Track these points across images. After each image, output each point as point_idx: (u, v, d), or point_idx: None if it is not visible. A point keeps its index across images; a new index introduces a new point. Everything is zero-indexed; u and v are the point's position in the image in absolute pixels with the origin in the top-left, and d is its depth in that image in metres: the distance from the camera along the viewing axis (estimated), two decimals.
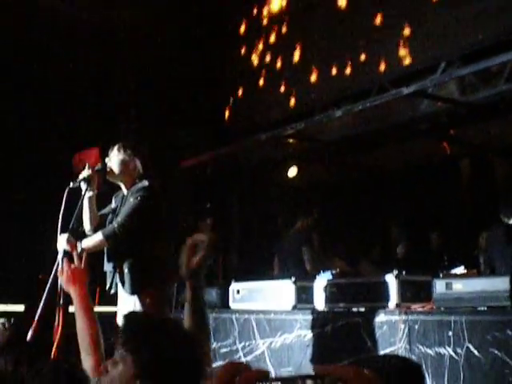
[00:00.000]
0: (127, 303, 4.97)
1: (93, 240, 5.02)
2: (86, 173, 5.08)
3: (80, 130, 8.82)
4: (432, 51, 7.32)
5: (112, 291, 5.13)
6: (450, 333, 5.06)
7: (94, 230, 5.16)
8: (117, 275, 5.07)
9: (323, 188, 10.99)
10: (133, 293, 4.92)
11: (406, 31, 7.44)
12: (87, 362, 3.10)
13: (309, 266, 7.90)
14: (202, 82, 9.77)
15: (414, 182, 10.50)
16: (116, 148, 5.23)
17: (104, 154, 5.40)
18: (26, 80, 8.69)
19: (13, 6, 8.36)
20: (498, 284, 5.10)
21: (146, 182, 5.12)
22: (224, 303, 7.32)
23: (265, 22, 9.43)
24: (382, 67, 7.79)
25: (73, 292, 3.46)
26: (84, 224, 5.20)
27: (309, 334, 6.11)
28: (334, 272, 6.68)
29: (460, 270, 7.02)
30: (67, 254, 4.91)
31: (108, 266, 5.12)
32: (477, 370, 4.89)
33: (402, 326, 5.37)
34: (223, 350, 6.88)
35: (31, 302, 5.21)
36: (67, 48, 8.92)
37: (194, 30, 9.80)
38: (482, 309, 5.17)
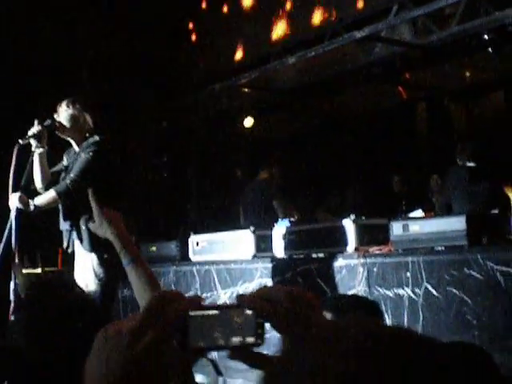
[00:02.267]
0: (85, 260, 4.91)
1: (46, 197, 4.93)
2: (35, 129, 4.97)
3: (29, 89, 8.65)
4: None
5: (70, 250, 5.05)
6: (408, 274, 5.10)
7: (46, 188, 5.05)
8: (74, 233, 5.00)
9: (280, 137, 10.96)
10: (92, 250, 4.86)
11: None
12: None
13: (281, 215, 7.86)
14: (153, 35, 9.61)
15: (371, 126, 10.52)
16: (65, 103, 5.10)
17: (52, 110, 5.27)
18: None
19: None
20: (455, 224, 5.13)
21: (96, 137, 5.02)
22: (184, 256, 7.30)
23: None
24: (335, 12, 7.73)
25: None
26: (35, 182, 5.09)
27: (269, 282, 6.12)
28: (291, 219, 6.68)
29: (418, 213, 7.06)
30: (20, 212, 4.85)
31: (64, 225, 5.03)
32: (435, 309, 4.95)
33: (361, 270, 5.41)
34: None
35: None
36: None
37: None
38: (440, 249, 5.22)
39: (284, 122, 10.90)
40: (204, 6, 9.48)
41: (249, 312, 1.02)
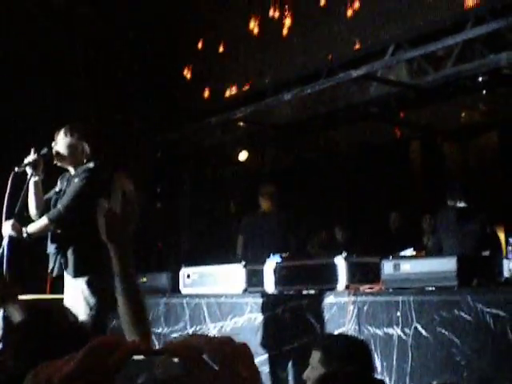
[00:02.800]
0: (75, 288, 4.91)
1: (38, 224, 4.94)
2: (31, 157, 5.00)
3: (26, 117, 8.69)
4: (381, 35, 7.36)
5: (55, 273, 5.05)
6: (399, 313, 5.10)
7: (40, 215, 5.07)
8: (59, 257, 4.99)
9: (275, 171, 11.00)
10: (75, 276, 4.85)
11: (353, 13, 7.47)
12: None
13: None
14: (152, 66, 9.69)
15: (366, 163, 10.57)
16: (63, 131, 5.13)
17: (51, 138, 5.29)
18: None
19: None
20: (446, 264, 5.15)
21: (91, 164, 5.05)
22: (175, 288, 7.28)
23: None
24: (332, 50, 7.81)
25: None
26: (30, 209, 5.11)
27: (259, 317, 6.11)
28: (283, 255, 6.68)
29: (409, 252, 7.08)
30: (12, 240, 4.86)
31: (51, 248, 5.03)
32: (425, 349, 4.94)
33: (351, 308, 5.40)
34: (174, 335, 6.86)
35: None
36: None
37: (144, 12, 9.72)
38: (430, 289, 5.23)
39: (278, 157, 10.95)
40: (200, 45, 9.56)
41: (175, 360, 0.97)
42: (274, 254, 6.74)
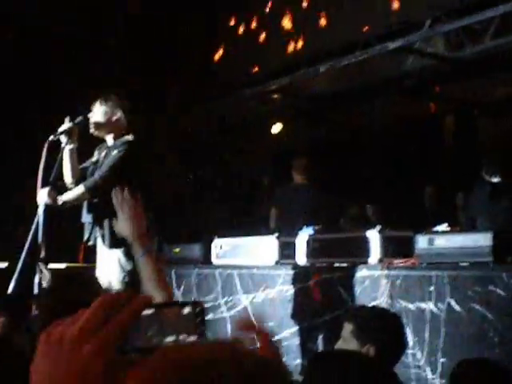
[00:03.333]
0: (109, 257, 4.94)
1: (74, 193, 4.98)
2: (65, 126, 5.02)
3: (64, 87, 8.73)
4: (419, 7, 7.25)
5: (90, 243, 5.08)
6: (432, 288, 5.07)
7: (75, 184, 5.11)
8: (96, 228, 5.03)
9: (308, 144, 10.94)
10: (111, 247, 4.88)
11: None
12: None
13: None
14: (187, 38, 9.64)
15: (399, 138, 10.48)
16: (99, 101, 5.16)
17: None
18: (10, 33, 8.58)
19: None
20: (481, 240, 5.10)
21: (129, 137, 5.07)
22: (207, 259, 7.31)
23: None
24: (368, 22, 7.71)
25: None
26: (65, 178, 5.14)
27: (291, 289, 6.12)
28: (315, 227, 6.66)
29: (443, 227, 7.02)
30: (48, 208, 4.89)
31: (87, 218, 5.07)
32: (457, 324, 4.91)
33: (384, 281, 5.38)
34: (206, 306, 6.88)
35: (13, 259, 5.16)
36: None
37: None
38: (464, 264, 5.18)
39: (312, 130, 10.88)
40: (236, 19, 9.49)
41: (186, 311, 1.00)
42: (306, 227, 6.72)
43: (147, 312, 0.98)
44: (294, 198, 7.92)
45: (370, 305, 5.32)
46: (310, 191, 7.87)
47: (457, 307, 4.92)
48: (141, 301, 0.96)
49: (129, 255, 4.85)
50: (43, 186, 4.88)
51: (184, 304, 1.02)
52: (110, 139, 5.19)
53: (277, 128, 10.09)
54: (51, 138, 4.98)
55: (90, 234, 5.06)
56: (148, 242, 2.58)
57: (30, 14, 8.74)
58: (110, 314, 0.93)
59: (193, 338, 0.99)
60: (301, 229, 6.63)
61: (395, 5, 7.40)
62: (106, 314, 0.93)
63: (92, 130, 5.15)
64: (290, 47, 8.47)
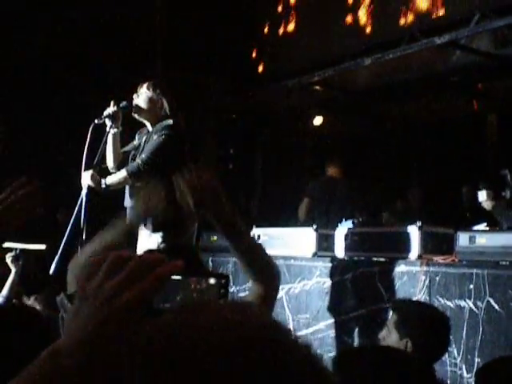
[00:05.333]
0: (149, 240, 4.97)
1: (117, 176, 5.03)
2: (110, 109, 5.07)
3: (107, 72, 8.80)
4: (466, 2, 7.18)
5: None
6: (471, 286, 5.02)
7: (117, 168, 5.15)
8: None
9: (348, 137, 10.90)
10: (154, 231, 4.91)
11: None
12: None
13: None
14: (230, 28, 9.65)
15: (440, 135, 10.39)
16: (145, 86, 5.21)
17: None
18: (54, 21, 8.66)
19: None
20: None
21: (170, 121, 5.10)
22: None
23: None
24: (414, 17, 7.65)
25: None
26: (107, 161, 5.20)
27: (328, 282, 6.10)
28: (355, 221, 6.64)
29: (482, 227, 6.95)
30: (91, 190, 4.94)
31: (128, 202, 5.11)
32: (496, 323, 4.86)
33: (423, 278, 5.34)
34: (242, 294, 6.90)
35: (53, 241, 5.22)
36: None
37: None
38: (505, 263, 5.12)
39: (353, 123, 10.84)
40: (280, 9, 9.47)
41: (212, 281, 1.07)
42: (345, 220, 6.71)
43: (176, 278, 1.05)
44: (327, 191, 7.91)
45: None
46: (346, 185, 7.85)
47: (496, 306, 4.87)
48: (171, 266, 1.00)
49: (168, 239, 4.89)
50: (86, 168, 4.92)
51: (210, 274, 1.10)
52: (150, 124, 5.24)
53: (318, 120, 10.06)
54: (96, 121, 5.03)
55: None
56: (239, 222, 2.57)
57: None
58: (142, 275, 0.98)
59: None
60: (340, 222, 6.62)
61: (442, 0, 7.34)
62: (139, 274, 0.98)
63: (134, 114, 5.20)
64: (333, 40, 8.44)
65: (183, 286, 1.06)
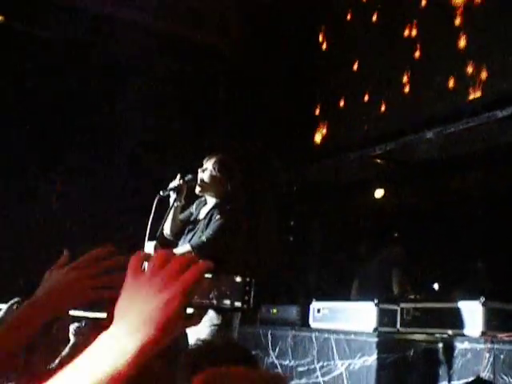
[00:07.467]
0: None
1: (181, 250, 5.12)
2: (176, 182, 5.18)
3: (172, 147, 8.99)
4: None
5: None
6: None
7: (174, 236, 5.30)
8: None
9: (410, 211, 10.82)
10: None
11: (500, 56, 7.31)
12: None
13: (396, 288, 7.75)
14: (292, 101, 9.79)
15: (503, 208, 10.24)
16: (212, 162, 5.30)
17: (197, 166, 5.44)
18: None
19: None
20: None
21: (231, 204, 5.22)
22: (304, 322, 7.28)
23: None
24: (475, 90, 7.66)
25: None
26: (164, 229, 5.30)
27: (389, 358, 6.00)
28: (417, 296, 6.56)
29: None
30: None
31: None
32: None
33: (487, 355, 5.22)
34: (301, 369, 6.83)
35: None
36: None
37: (282, 51, 9.87)
38: None
39: (414, 196, 10.77)
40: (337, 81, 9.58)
41: (238, 280, 1.20)
42: (406, 295, 6.64)
43: (208, 276, 1.19)
44: (389, 268, 7.89)
45: (471, 379, 5.18)
46: (407, 260, 7.83)
47: None
48: (204, 264, 1.16)
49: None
50: (150, 239, 5.00)
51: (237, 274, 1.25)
52: (211, 199, 5.34)
53: (379, 193, 10.04)
54: (161, 193, 5.13)
55: None
56: None
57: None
58: (183, 269, 1.14)
59: (240, 305, 1.22)
60: (401, 297, 6.55)
61: (504, 74, 7.34)
62: (182, 267, 1.14)
63: (197, 189, 5.30)
64: (396, 112, 8.47)
65: (216, 283, 1.20)
